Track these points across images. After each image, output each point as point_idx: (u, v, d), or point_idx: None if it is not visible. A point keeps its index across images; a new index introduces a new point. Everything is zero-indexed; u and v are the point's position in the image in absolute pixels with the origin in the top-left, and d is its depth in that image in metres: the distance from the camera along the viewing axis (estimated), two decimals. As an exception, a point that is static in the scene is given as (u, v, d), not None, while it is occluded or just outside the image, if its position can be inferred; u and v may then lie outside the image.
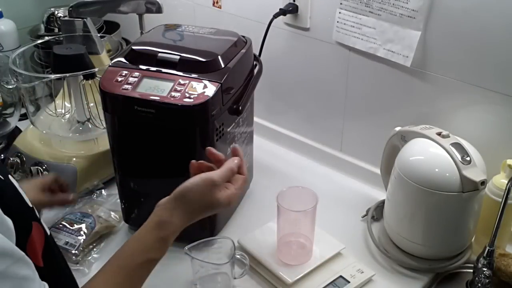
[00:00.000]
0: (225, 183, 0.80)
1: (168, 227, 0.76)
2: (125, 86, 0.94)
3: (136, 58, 0.99)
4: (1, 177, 0.64)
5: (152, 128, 0.95)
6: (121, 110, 0.96)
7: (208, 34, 1.08)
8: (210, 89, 0.91)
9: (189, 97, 0.90)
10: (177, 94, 0.91)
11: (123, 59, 1.00)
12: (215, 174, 0.79)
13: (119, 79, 0.95)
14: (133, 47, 1.01)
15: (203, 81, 0.93)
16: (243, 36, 1.08)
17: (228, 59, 0.98)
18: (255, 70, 1.09)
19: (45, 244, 0.69)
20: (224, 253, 0.97)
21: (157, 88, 0.92)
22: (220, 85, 0.92)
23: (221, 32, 1.09)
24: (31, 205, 0.69)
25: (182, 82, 0.93)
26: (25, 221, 0.64)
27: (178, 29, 1.10)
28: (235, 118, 1.03)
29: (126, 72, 0.96)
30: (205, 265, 0.95)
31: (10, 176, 0.68)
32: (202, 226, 1.05)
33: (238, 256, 0.97)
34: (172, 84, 0.93)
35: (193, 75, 0.94)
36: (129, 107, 0.93)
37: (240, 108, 0.99)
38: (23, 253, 0.58)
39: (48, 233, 0.74)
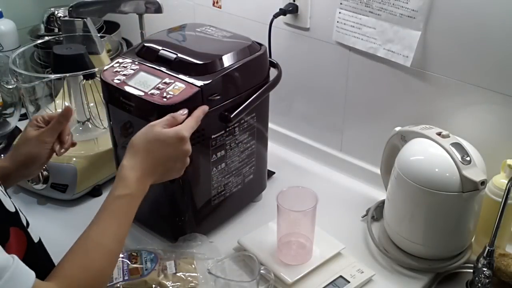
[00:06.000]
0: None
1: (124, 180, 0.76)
2: (119, 76, 0.94)
3: (144, 52, 0.99)
4: None
5: (137, 122, 0.93)
6: (109, 99, 0.97)
7: (221, 37, 1.04)
8: (187, 92, 0.89)
9: (165, 97, 0.89)
10: (156, 92, 0.90)
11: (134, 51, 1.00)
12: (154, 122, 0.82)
13: (118, 69, 0.96)
14: (144, 42, 1.01)
15: (187, 83, 0.91)
16: (259, 43, 1.04)
17: (227, 64, 0.95)
18: (270, 80, 1.04)
19: (27, 252, 0.67)
20: (244, 269, 0.97)
21: (145, 83, 0.92)
22: (199, 89, 0.89)
23: (236, 36, 1.05)
24: (13, 210, 0.67)
25: (168, 81, 0.92)
26: (0, 227, 0.62)
27: (197, 29, 1.08)
28: (225, 126, 0.98)
29: (128, 63, 0.97)
30: (229, 284, 0.91)
31: None
32: (202, 225, 1.05)
33: (263, 272, 0.93)
34: (159, 81, 0.92)
35: (181, 76, 0.92)
36: (115, 97, 0.93)
37: (230, 116, 0.94)
38: None
39: (36, 240, 0.71)
